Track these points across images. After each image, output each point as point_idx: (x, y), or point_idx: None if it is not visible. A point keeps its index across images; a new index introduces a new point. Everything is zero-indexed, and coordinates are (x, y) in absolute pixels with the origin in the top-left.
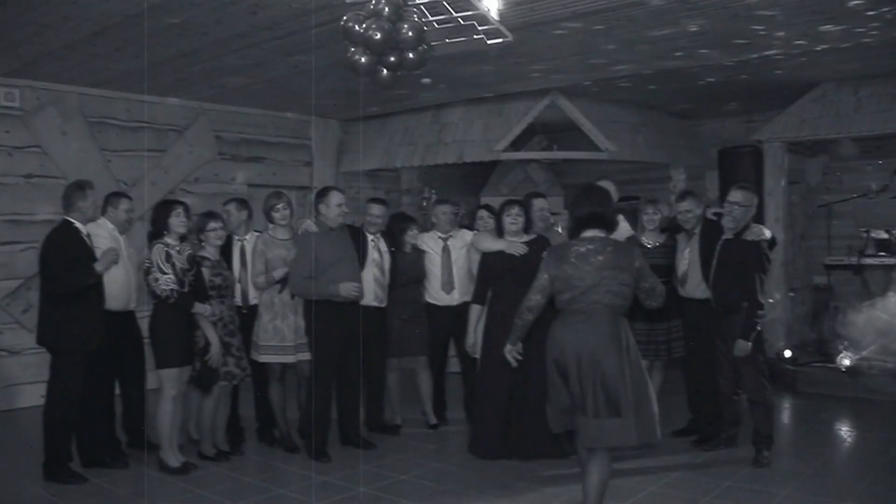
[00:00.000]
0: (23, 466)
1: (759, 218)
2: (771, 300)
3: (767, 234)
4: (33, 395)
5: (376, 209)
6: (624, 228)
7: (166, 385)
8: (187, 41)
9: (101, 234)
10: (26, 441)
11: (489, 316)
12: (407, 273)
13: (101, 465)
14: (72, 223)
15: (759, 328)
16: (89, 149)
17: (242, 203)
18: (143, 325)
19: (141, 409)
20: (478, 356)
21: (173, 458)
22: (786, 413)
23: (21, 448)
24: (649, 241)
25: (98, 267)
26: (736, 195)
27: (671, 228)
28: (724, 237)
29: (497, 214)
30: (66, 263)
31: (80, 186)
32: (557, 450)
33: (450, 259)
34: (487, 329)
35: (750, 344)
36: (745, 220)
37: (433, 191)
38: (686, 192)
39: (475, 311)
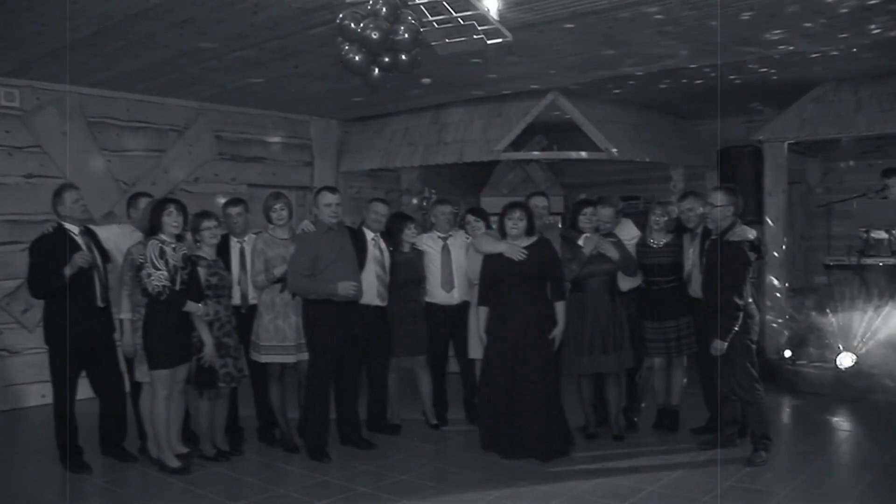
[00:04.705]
0: (23, 467)
1: (759, 218)
2: (750, 300)
3: (751, 235)
4: (34, 395)
5: (381, 208)
6: (631, 230)
7: (157, 386)
8: (187, 41)
9: (113, 236)
10: (26, 441)
11: (490, 317)
12: (404, 273)
13: (115, 455)
14: (61, 225)
15: (736, 328)
16: (89, 149)
17: (241, 203)
18: None
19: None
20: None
21: (172, 459)
22: (786, 413)
23: (21, 448)
24: (655, 240)
25: (66, 270)
26: (714, 196)
27: (678, 229)
28: (710, 237)
29: (499, 217)
30: (40, 265)
31: (58, 190)
32: (550, 450)
33: (450, 258)
34: (488, 330)
35: (725, 344)
36: (725, 220)
37: (433, 191)
38: (688, 192)
39: (482, 312)
